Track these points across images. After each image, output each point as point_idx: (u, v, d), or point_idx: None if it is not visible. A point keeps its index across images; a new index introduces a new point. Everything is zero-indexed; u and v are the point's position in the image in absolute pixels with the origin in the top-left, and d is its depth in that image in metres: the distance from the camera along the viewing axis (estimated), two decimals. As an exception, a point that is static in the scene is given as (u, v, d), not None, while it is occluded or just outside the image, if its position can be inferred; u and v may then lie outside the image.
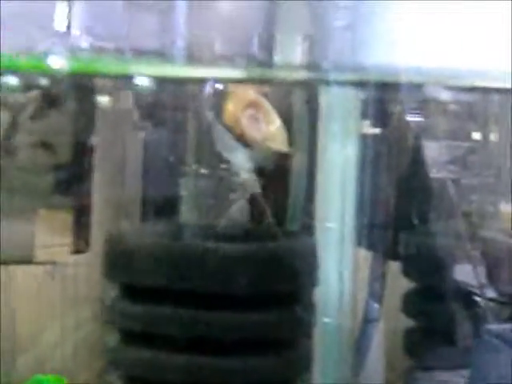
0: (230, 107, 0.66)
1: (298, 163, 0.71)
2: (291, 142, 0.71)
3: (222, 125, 0.65)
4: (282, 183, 0.71)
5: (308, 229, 0.68)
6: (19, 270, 0.80)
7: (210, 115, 0.65)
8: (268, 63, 0.64)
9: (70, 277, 0.81)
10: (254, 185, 0.64)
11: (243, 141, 0.66)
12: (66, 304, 0.81)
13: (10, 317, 0.80)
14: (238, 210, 0.64)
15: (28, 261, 0.74)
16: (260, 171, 0.69)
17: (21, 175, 0.74)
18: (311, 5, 0.64)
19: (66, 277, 0.81)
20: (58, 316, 0.81)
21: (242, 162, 0.64)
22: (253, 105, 0.67)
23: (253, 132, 0.66)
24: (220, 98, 0.67)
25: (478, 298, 0.72)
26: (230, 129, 0.65)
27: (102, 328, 0.71)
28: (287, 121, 0.71)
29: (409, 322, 0.75)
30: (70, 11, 0.65)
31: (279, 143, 0.68)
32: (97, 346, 0.76)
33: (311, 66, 0.62)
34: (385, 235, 0.71)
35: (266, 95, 0.68)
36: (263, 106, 0.67)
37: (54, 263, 0.75)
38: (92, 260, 0.78)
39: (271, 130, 0.67)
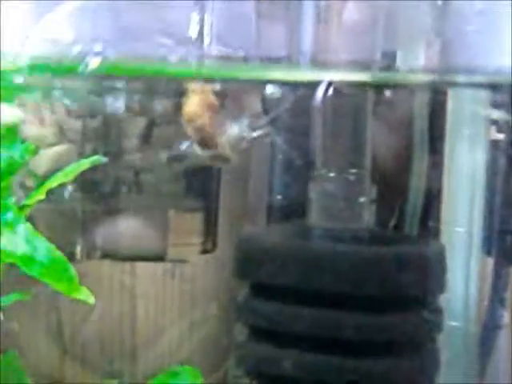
0: (192, 106, 0.67)
1: (419, 166, 0.71)
2: (414, 145, 0.71)
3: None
4: (401, 186, 0.71)
5: (433, 233, 0.68)
6: (139, 268, 0.83)
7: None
8: (393, 66, 0.65)
9: (189, 275, 0.84)
10: None
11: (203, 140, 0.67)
12: (188, 301, 0.84)
13: (132, 313, 0.84)
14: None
15: (161, 258, 0.78)
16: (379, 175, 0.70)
17: (154, 178, 0.78)
18: (439, 8, 0.64)
19: (185, 275, 0.84)
20: (180, 313, 0.84)
21: None
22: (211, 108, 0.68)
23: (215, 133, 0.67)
24: (341, 100, 0.68)
25: None
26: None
27: (227, 325, 0.74)
28: (412, 124, 0.71)
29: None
30: (202, 21, 0.68)
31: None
32: (221, 343, 0.78)
33: (440, 69, 0.63)
34: (512, 241, 0.70)
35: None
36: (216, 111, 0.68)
37: (185, 261, 0.79)
38: (212, 260, 0.80)
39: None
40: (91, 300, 0.52)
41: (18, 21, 0.67)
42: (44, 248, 0.51)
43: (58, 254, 0.52)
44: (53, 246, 0.52)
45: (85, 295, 0.52)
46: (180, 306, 0.84)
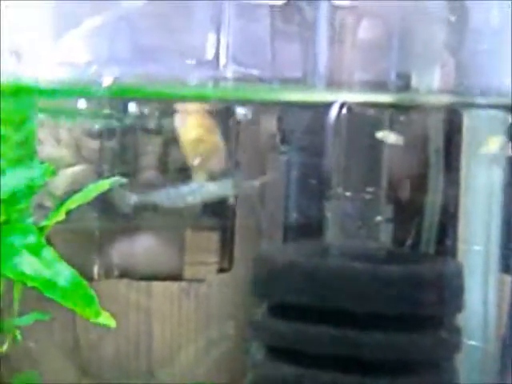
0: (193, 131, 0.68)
1: (435, 185, 0.71)
2: (429, 164, 0.72)
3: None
4: (418, 205, 0.71)
5: (450, 251, 0.68)
6: (155, 287, 0.84)
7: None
8: (407, 87, 0.66)
9: (206, 294, 0.84)
10: None
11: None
12: (204, 320, 0.84)
13: (148, 332, 0.84)
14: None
15: (178, 278, 0.78)
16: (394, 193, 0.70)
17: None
18: (452, 30, 0.65)
19: (201, 294, 0.84)
20: (196, 332, 0.84)
21: None
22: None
23: None
24: (354, 120, 0.68)
25: None
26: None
27: (243, 345, 0.74)
28: (427, 144, 0.71)
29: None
30: (218, 42, 0.69)
31: None
32: (237, 362, 0.78)
33: (455, 90, 0.63)
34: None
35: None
36: None
37: (201, 281, 0.79)
38: (228, 279, 0.80)
39: None
40: (112, 323, 0.52)
41: (35, 43, 0.68)
42: (66, 273, 0.51)
43: (79, 278, 0.52)
44: (74, 271, 0.52)
45: (105, 319, 0.52)
46: (196, 325, 0.84)
